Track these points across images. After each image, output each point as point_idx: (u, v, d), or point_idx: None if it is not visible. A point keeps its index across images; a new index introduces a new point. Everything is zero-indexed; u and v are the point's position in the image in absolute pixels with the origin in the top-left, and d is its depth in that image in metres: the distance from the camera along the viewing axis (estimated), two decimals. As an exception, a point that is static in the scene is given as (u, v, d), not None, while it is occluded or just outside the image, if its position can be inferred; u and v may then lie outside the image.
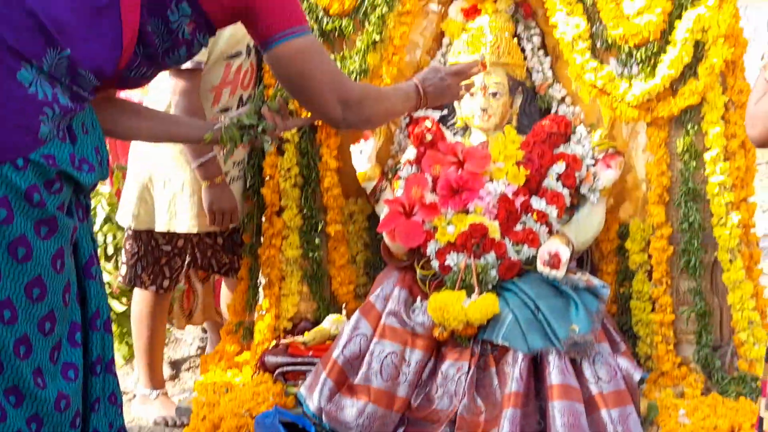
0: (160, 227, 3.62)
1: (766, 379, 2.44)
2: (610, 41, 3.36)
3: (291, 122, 2.96)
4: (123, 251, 3.80)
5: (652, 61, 3.32)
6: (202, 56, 3.42)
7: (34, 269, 2.23)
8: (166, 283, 3.71)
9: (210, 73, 3.57)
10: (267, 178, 3.65)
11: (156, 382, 3.77)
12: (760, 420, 2.43)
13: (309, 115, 2.99)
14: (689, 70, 3.28)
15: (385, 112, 2.98)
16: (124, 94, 3.43)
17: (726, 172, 3.31)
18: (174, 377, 4.09)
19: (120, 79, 2.44)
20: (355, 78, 3.51)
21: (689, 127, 3.35)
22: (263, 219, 3.71)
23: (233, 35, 3.49)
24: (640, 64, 3.34)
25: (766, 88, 2.34)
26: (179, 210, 3.60)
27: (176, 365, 4.27)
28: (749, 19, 5.84)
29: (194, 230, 3.63)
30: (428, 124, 3.52)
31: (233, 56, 3.58)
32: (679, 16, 3.27)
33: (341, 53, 3.55)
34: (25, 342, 2.25)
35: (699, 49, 3.26)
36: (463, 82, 3.07)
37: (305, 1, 3.53)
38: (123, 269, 3.75)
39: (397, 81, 3.61)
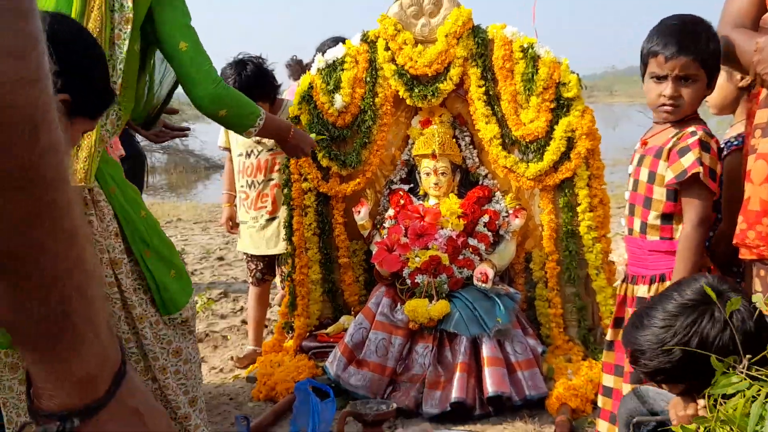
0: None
1: (607, 361, 2.48)
2: (513, 138, 3.38)
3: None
4: None
5: (541, 150, 3.34)
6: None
7: None
8: None
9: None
10: (294, 230, 3.60)
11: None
12: (603, 387, 2.48)
13: None
14: (565, 156, 3.32)
15: None
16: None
17: (591, 219, 3.34)
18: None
19: None
20: (352, 166, 3.51)
21: (566, 191, 3.38)
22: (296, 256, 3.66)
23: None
24: (533, 153, 3.36)
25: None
26: None
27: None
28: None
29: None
30: (401, 193, 3.55)
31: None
32: (557, 122, 3.29)
33: (344, 150, 3.55)
34: None
35: (570, 142, 3.29)
36: None
37: (318, 117, 3.49)
38: None
39: (380, 168, 3.67)
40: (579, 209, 3.37)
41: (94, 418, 0.56)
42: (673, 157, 2.26)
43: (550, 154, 3.32)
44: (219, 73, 2.93)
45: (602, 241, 3.39)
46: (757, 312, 1.56)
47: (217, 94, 2.41)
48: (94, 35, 2.08)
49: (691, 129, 2.26)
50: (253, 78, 3.50)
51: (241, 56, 3.58)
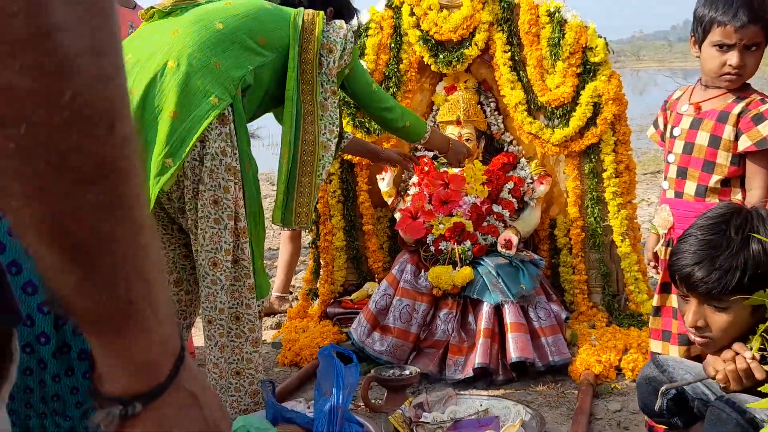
0: None
1: (654, 327, 2.45)
2: (539, 104, 3.35)
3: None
4: None
5: (567, 116, 3.32)
6: None
7: None
8: None
9: None
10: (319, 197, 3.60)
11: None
12: (652, 353, 2.45)
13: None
14: (591, 121, 3.28)
15: None
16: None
17: (616, 185, 3.33)
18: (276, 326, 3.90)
19: None
20: (377, 133, 3.53)
21: (592, 157, 3.37)
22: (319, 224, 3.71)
23: None
24: (559, 119, 3.34)
25: None
26: None
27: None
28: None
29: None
30: (425, 159, 3.50)
31: None
32: (583, 87, 3.27)
33: (368, 117, 3.43)
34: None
35: (597, 108, 3.26)
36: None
37: None
38: None
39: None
40: (604, 175, 3.36)
41: (155, 403, 0.57)
42: (746, 123, 2.26)
43: (576, 119, 3.30)
44: None
45: (627, 207, 3.38)
46: None
47: (403, 110, 2.96)
48: (308, 100, 2.57)
49: (759, 96, 2.28)
50: None
51: None
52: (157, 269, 0.55)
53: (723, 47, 2.25)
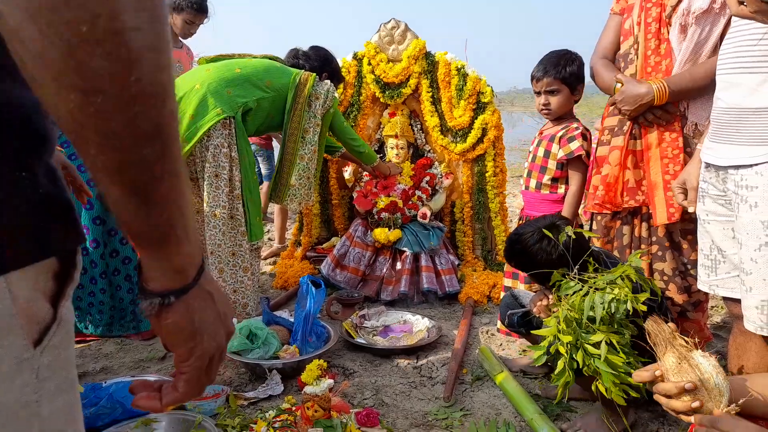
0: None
1: (508, 269, 2.48)
2: (448, 127, 3.29)
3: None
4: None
5: (465, 136, 3.26)
6: None
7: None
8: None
9: None
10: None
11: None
12: (505, 286, 2.52)
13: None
14: (480, 140, 3.24)
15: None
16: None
17: (494, 181, 3.29)
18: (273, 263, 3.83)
19: None
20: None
21: (480, 162, 3.32)
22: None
23: None
24: (460, 137, 3.28)
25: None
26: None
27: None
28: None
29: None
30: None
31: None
32: (476, 118, 3.22)
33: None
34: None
35: (484, 132, 3.22)
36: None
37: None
38: None
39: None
40: (487, 175, 3.33)
41: (184, 297, 0.54)
42: (563, 142, 2.26)
43: (471, 138, 3.26)
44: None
45: (500, 196, 3.37)
46: (571, 237, 1.60)
47: (363, 143, 3.00)
48: (294, 126, 2.50)
49: (575, 125, 2.28)
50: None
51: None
52: (188, 205, 0.52)
53: (537, 93, 2.29)
